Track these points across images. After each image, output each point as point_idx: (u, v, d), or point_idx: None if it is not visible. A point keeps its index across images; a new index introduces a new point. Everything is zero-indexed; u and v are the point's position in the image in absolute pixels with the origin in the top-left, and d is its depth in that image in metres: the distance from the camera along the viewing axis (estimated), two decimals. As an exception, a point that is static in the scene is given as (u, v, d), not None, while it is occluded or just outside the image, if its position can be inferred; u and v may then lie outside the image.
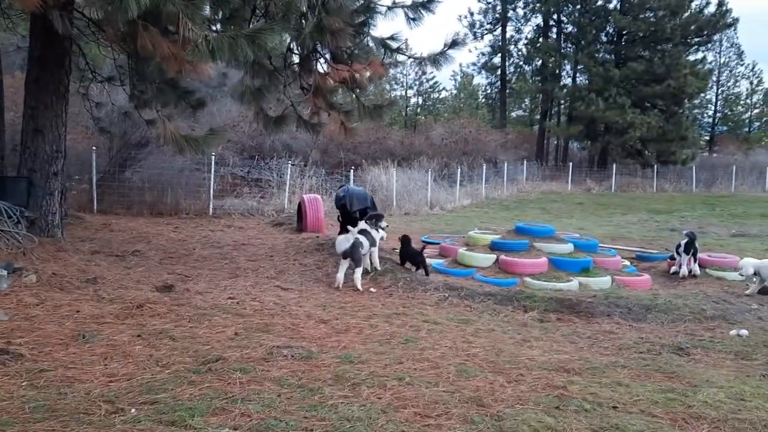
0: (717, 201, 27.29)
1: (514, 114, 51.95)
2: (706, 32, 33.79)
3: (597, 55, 33.48)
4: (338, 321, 6.38)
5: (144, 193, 14.80)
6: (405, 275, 8.49)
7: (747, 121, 54.10)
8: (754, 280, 8.57)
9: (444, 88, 55.10)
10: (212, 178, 15.19)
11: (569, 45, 37.32)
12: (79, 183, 14.58)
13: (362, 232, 8.47)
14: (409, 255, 9.13)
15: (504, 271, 9.39)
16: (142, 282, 7.76)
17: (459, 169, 24.44)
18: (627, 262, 10.61)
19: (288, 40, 8.09)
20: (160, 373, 4.41)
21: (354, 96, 8.80)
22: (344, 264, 8.23)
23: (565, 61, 37.29)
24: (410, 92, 51.85)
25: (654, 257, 11.58)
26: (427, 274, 8.84)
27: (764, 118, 52.68)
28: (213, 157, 15.10)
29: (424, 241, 13.13)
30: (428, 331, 6.17)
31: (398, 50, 8.44)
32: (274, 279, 8.49)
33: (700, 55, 35.55)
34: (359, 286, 8.02)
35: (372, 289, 8.06)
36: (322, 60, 8.12)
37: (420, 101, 53.38)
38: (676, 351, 5.87)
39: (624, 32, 34.13)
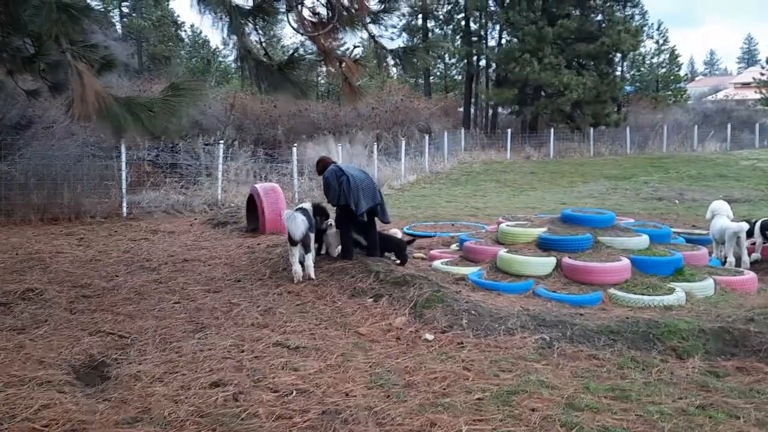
0: (663, 163, 26.05)
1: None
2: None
3: (526, 14, 31.26)
4: None
5: (29, 192, 10.84)
6: (463, 304, 5.67)
7: (654, 81, 54.49)
8: None
9: (357, 55, 51.75)
10: (124, 167, 11.44)
11: (494, 3, 34.95)
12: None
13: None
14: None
15: (572, 280, 6.79)
16: (47, 363, 4.49)
17: (403, 142, 21.60)
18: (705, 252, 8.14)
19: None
20: None
21: (368, 35, 5.86)
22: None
23: (491, 23, 35.00)
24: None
25: (704, 239, 9.29)
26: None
27: (671, 77, 53.19)
28: (122, 140, 11.36)
29: (408, 234, 10.48)
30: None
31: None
32: (264, 328, 5.40)
33: (629, 12, 34.37)
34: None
35: (428, 336, 5.20)
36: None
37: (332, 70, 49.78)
38: None
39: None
